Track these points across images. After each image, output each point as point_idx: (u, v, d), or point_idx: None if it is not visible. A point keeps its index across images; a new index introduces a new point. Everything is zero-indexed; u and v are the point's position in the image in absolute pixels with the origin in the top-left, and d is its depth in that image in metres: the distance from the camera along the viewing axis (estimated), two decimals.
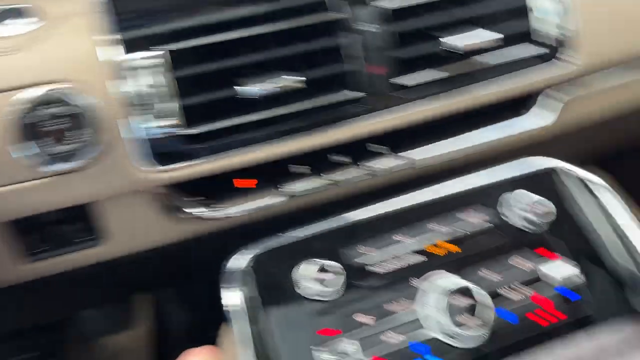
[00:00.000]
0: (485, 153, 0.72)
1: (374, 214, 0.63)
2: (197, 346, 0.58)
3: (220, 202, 0.63)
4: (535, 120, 0.75)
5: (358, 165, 0.68)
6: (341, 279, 0.57)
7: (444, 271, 0.59)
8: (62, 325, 1.16)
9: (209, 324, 0.63)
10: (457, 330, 0.54)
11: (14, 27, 0.60)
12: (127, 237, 0.66)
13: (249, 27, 0.61)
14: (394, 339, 0.54)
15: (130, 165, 0.60)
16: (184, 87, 0.58)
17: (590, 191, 0.64)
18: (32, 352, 1.09)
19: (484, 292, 0.57)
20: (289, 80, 0.61)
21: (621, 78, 0.80)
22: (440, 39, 0.66)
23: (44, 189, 0.60)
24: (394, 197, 0.64)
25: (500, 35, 0.68)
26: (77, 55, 0.60)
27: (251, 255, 0.58)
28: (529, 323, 0.56)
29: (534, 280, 0.59)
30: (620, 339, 0.56)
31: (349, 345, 0.53)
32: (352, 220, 0.62)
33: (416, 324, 0.55)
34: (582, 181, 0.65)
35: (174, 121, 0.58)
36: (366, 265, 0.58)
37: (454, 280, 0.57)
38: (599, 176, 1.35)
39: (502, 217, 0.63)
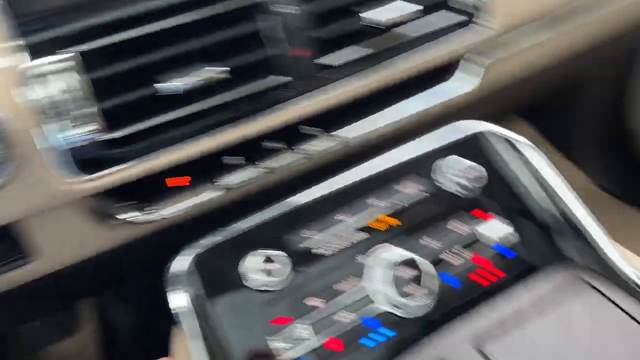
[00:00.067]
0: (417, 123, 0.74)
1: (314, 197, 0.63)
2: (146, 347, 0.56)
3: (154, 203, 0.61)
4: (461, 86, 0.76)
5: (293, 149, 0.67)
6: (288, 267, 0.57)
7: (387, 244, 0.60)
8: (4, 339, 1.11)
9: (158, 324, 0.62)
10: (405, 301, 0.56)
11: None
12: (60, 251, 0.63)
13: (162, 20, 0.58)
14: (347, 317, 0.55)
15: (52, 177, 0.56)
16: (101, 89, 0.55)
17: (517, 150, 0.67)
18: None
19: (427, 262, 0.58)
20: (212, 72, 0.59)
21: (536, 37, 0.83)
22: (361, 15, 0.66)
23: None
24: (331, 177, 0.64)
25: (420, 7, 0.68)
26: None
27: (193, 255, 0.57)
28: (471, 285, 0.59)
29: (472, 242, 0.61)
30: (554, 286, 0.59)
31: (302, 330, 0.54)
32: (293, 206, 0.62)
33: (366, 299, 0.56)
34: (508, 141, 0.67)
35: (93, 126, 0.55)
36: (311, 248, 0.59)
37: (398, 253, 0.59)
38: (521, 126, 1.41)
39: (436, 184, 0.64)
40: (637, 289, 0.58)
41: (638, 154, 1.28)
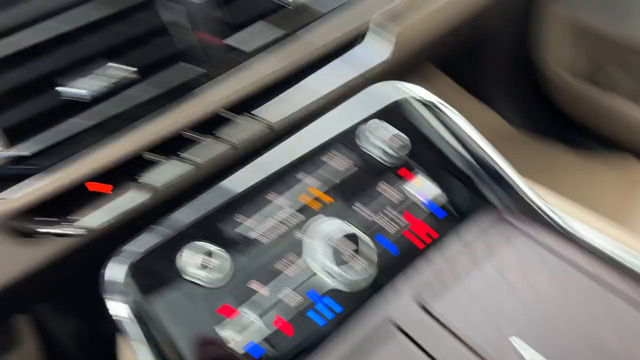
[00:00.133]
0: (338, 96, 0.73)
1: (243, 181, 0.62)
2: (92, 357, 0.55)
3: (78, 213, 0.58)
4: (375, 56, 0.77)
5: (217, 139, 0.66)
6: (226, 256, 0.56)
7: (321, 216, 0.60)
8: None
9: (102, 333, 0.61)
10: (345, 273, 0.57)
11: None
12: None
13: (59, 21, 0.54)
14: (291, 296, 0.56)
15: None
16: None
17: (435, 112, 0.69)
18: None
19: (363, 232, 0.60)
20: (120, 71, 0.56)
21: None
22: None
23: None
24: (257, 158, 0.64)
25: None
26: None
27: (127, 259, 0.55)
28: (407, 248, 0.60)
29: (404, 206, 0.63)
30: (482, 234, 0.62)
31: (250, 315, 0.54)
32: (224, 194, 0.61)
33: (309, 276, 0.57)
34: (426, 103, 0.69)
35: None
36: (247, 234, 0.58)
37: (334, 225, 0.59)
38: (437, 77, 1.44)
39: (363, 150, 0.65)
40: (554, 224, 0.62)
41: (547, 91, 1.35)
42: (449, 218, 0.63)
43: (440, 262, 0.60)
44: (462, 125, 0.68)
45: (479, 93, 1.45)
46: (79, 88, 0.54)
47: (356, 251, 0.57)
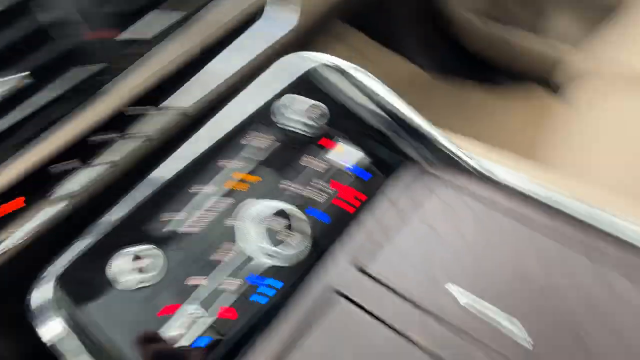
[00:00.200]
0: (250, 72, 0.72)
1: (165, 176, 0.61)
2: None
3: None
4: (282, 24, 0.75)
5: (130, 136, 0.64)
6: (159, 256, 0.55)
7: (250, 199, 0.60)
8: None
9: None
10: (281, 250, 0.57)
11: None
12: None
13: None
14: (232, 283, 0.56)
15: None
16: None
17: (346, 76, 0.69)
18: None
19: (293, 207, 0.60)
20: (12, 81, 0.52)
21: None
22: None
23: None
24: (175, 151, 0.62)
25: None
26: None
27: (53, 279, 0.53)
28: (338, 215, 0.62)
29: (330, 174, 0.63)
30: (407, 189, 0.64)
31: (192, 311, 0.54)
32: (147, 192, 0.60)
33: (245, 260, 0.57)
34: (336, 69, 0.69)
35: None
36: (177, 230, 0.57)
37: (263, 205, 0.59)
38: (349, 33, 1.44)
39: (281, 126, 0.65)
40: (472, 169, 0.64)
41: (454, 34, 1.38)
42: (374, 179, 0.64)
43: (371, 223, 0.62)
44: (373, 85, 0.68)
45: (392, 44, 1.47)
46: None
47: (289, 227, 0.58)
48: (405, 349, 0.53)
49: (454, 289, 0.56)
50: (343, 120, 0.66)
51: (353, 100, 0.68)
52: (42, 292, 0.52)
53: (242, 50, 0.72)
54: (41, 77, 0.55)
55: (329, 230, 0.60)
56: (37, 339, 0.51)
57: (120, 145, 0.63)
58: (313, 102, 0.65)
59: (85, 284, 0.53)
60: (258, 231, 0.58)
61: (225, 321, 0.54)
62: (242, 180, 0.61)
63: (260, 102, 0.66)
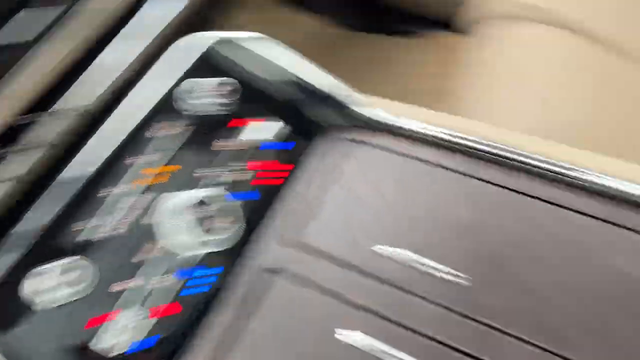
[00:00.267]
0: (148, 58, 0.68)
1: (73, 184, 0.57)
2: None
3: None
4: (173, 4, 0.72)
5: (26, 147, 0.59)
6: (76, 268, 0.53)
7: (168, 193, 0.58)
8: None
9: None
10: (212, 237, 0.56)
11: None
12: None
13: None
14: (161, 282, 0.54)
15: None
16: None
17: (245, 49, 0.67)
18: None
19: (211, 194, 0.58)
20: None
21: None
22: None
23: None
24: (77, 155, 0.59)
25: None
26: None
27: None
28: (268, 189, 0.61)
29: (246, 153, 0.62)
30: (325, 155, 0.64)
31: (122, 318, 0.52)
32: (55, 203, 0.56)
33: (173, 255, 0.55)
34: (239, 43, 0.67)
35: None
36: (92, 238, 0.55)
37: (181, 198, 0.57)
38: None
39: (187, 113, 0.62)
40: (384, 126, 0.64)
41: None
42: (291, 151, 0.63)
43: (295, 196, 0.61)
44: (279, 52, 0.67)
45: (301, 4, 1.43)
46: None
47: (210, 214, 0.56)
48: (347, 312, 0.53)
49: (384, 246, 0.56)
50: (251, 96, 0.64)
51: (258, 73, 0.66)
52: None
53: (134, 38, 0.68)
54: None
55: (253, 210, 0.59)
56: None
57: (21, 158, 0.59)
58: (215, 82, 0.63)
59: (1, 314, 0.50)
60: (178, 224, 0.56)
61: (159, 320, 0.53)
62: (154, 175, 0.59)
63: (161, 90, 0.63)
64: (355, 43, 1.34)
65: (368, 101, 0.66)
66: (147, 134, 0.60)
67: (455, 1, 1.04)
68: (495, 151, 0.61)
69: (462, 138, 0.62)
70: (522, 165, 0.59)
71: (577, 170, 0.58)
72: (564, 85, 0.86)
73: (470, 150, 0.61)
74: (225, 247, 0.57)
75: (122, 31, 0.66)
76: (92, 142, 0.59)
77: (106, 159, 0.58)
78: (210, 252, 0.56)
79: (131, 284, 0.53)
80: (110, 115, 0.61)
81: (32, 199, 0.56)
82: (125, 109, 0.61)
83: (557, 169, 0.58)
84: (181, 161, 0.60)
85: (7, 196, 0.58)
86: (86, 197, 0.56)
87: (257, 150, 0.62)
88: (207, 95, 0.63)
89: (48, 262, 0.52)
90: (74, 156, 0.58)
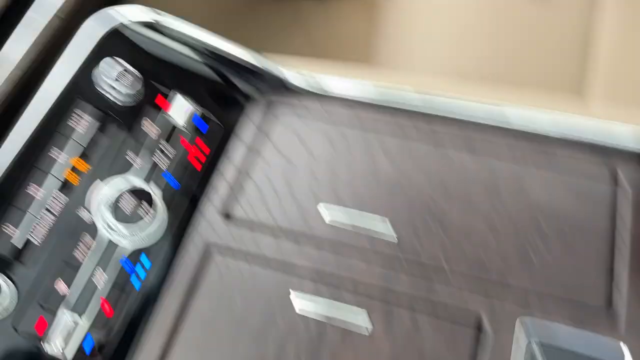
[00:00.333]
0: (53, 40, 0.64)
1: None
2: None
3: None
4: None
5: None
6: (6, 283, 0.50)
7: (97, 184, 0.56)
8: None
9: None
10: (142, 226, 0.55)
11: None
12: None
13: None
14: (103, 274, 0.54)
15: None
16: None
17: (157, 27, 0.64)
18: None
19: (144, 179, 0.57)
20: None
21: None
22: None
23: None
24: None
25: None
26: None
27: None
28: (192, 172, 0.60)
29: (172, 134, 0.61)
30: (253, 125, 0.64)
31: (66, 316, 0.51)
32: None
33: (112, 247, 0.55)
34: (144, 22, 0.64)
35: None
36: (20, 240, 0.51)
37: (110, 189, 0.55)
38: None
39: (106, 97, 0.59)
40: (309, 89, 0.65)
41: None
42: (212, 129, 0.63)
43: (227, 169, 0.61)
44: (188, 28, 0.65)
45: None
46: None
47: (145, 200, 0.55)
48: (290, 276, 0.55)
49: (322, 208, 0.58)
50: (166, 75, 0.62)
51: (172, 51, 0.64)
52: None
53: (31, 28, 0.63)
54: None
55: (190, 188, 0.59)
56: None
57: None
58: (127, 67, 0.60)
59: None
60: (110, 216, 0.54)
61: (105, 316, 0.52)
62: (78, 167, 0.56)
63: (76, 75, 0.59)
64: (275, 9, 1.32)
65: (289, 62, 0.66)
66: (70, 123, 0.56)
67: None
68: (414, 102, 0.63)
69: (381, 94, 0.64)
70: (442, 114, 0.62)
71: (490, 114, 0.60)
72: (471, 27, 0.90)
73: (391, 105, 0.63)
74: (155, 239, 0.56)
75: (26, 17, 0.62)
76: (10, 138, 0.54)
77: (27, 153, 0.53)
78: (141, 244, 0.55)
79: (73, 282, 0.52)
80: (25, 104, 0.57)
81: None
82: (42, 96, 0.57)
83: (469, 117, 0.60)
84: (102, 152, 0.57)
85: None
86: (11, 197, 0.52)
87: (181, 129, 0.61)
88: (121, 77, 0.60)
89: None
90: None
